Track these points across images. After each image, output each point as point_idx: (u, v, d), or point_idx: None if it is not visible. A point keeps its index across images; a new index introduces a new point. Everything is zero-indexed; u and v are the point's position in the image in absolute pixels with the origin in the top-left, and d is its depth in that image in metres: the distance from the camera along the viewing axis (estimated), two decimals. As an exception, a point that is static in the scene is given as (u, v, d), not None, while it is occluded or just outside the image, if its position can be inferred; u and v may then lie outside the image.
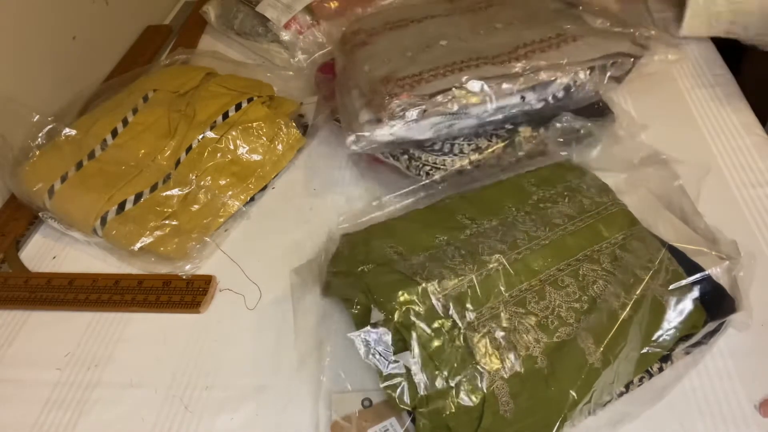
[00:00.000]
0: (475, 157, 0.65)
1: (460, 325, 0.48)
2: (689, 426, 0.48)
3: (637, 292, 0.50)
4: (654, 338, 0.49)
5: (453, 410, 0.45)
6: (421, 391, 0.46)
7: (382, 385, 0.48)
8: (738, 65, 0.85)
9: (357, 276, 0.54)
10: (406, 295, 0.50)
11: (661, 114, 0.75)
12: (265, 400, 0.53)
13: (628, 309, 0.49)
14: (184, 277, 0.63)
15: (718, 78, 0.80)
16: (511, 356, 0.47)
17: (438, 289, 0.50)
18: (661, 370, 0.49)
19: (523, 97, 0.65)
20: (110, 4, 0.96)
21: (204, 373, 0.56)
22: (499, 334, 0.48)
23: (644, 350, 0.49)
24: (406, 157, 0.66)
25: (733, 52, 0.84)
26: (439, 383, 0.46)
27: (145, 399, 0.54)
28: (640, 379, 0.49)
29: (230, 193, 0.69)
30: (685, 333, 0.50)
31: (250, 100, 0.74)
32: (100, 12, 0.94)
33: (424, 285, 0.51)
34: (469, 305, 0.49)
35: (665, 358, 0.50)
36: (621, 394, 0.48)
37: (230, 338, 0.59)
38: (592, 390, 0.46)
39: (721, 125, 0.74)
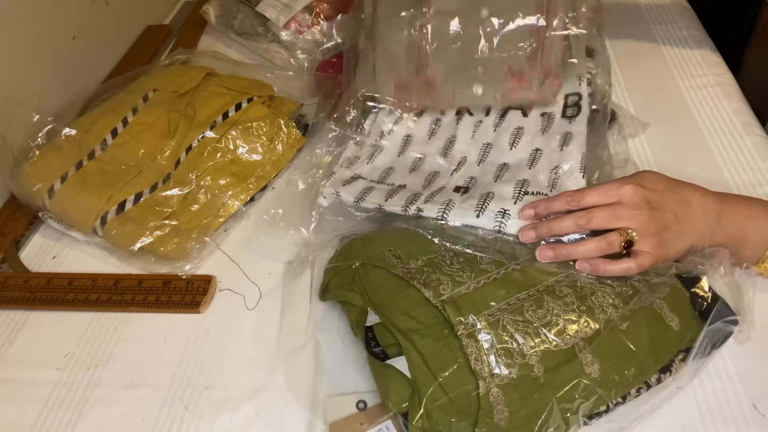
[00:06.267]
0: None
1: (456, 331, 0.48)
2: (689, 426, 0.48)
3: (635, 303, 0.50)
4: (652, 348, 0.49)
5: (447, 417, 0.45)
6: (416, 397, 0.46)
7: (372, 375, 0.47)
8: (738, 65, 0.85)
9: (352, 273, 0.54)
10: (403, 300, 0.50)
11: (661, 114, 0.75)
12: (264, 400, 0.53)
13: (626, 320, 0.49)
14: (183, 277, 0.63)
15: (718, 78, 0.80)
16: (507, 364, 0.46)
17: (435, 295, 0.50)
18: (659, 381, 0.48)
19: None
20: (110, 4, 0.96)
21: (204, 373, 0.56)
22: (496, 341, 0.47)
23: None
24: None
25: (733, 52, 0.84)
26: (434, 389, 0.45)
27: (145, 399, 0.54)
28: (638, 390, 0.48)
29: (230, 193, 0.69)
30: (685, 346, 0.49)
31: (250, 100, 0.74)
32: (100, 12, 0.94)
33: (422, 290, 0.50)
34: (466, 312, 0.49)
35: (664, 369, 0.48)
36: (617, 405, 0.47)
37: (230, 338, 0.59)
38: (587, 399, 0.46)
39: (721, 125, 0.74)
